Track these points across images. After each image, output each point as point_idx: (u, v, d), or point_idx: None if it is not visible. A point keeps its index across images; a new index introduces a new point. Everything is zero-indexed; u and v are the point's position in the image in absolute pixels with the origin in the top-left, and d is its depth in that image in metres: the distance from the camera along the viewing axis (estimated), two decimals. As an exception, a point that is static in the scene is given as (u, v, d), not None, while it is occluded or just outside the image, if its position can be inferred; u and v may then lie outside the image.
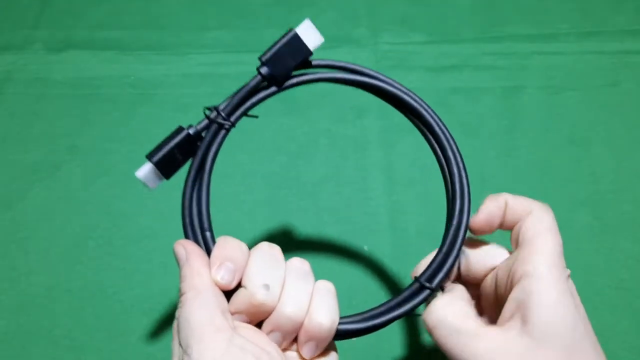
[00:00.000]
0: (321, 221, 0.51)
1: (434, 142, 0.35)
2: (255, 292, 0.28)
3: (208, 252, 0.31)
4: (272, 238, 0.50)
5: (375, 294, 0.47)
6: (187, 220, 0.33)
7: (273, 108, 0.58)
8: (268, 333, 0.29)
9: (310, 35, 0.33)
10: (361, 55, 0.61)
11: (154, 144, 0.55)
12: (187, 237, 0.32)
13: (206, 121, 0.33)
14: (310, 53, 0.33)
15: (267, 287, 0.28)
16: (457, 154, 0.35)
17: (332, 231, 0.50)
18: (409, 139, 0.55)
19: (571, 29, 0.63)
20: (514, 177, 0.53)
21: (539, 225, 0.31)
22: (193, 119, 0.57)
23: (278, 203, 0.52)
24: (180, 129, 0.33)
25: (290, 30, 0.33)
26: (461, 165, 0.34)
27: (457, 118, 0.57)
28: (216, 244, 0.30)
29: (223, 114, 0.33)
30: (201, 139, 0.33)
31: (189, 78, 0.60)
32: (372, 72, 0.35)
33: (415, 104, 0.35)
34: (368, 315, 0.32)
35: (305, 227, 0.50)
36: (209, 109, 0.33)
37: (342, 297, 0.47)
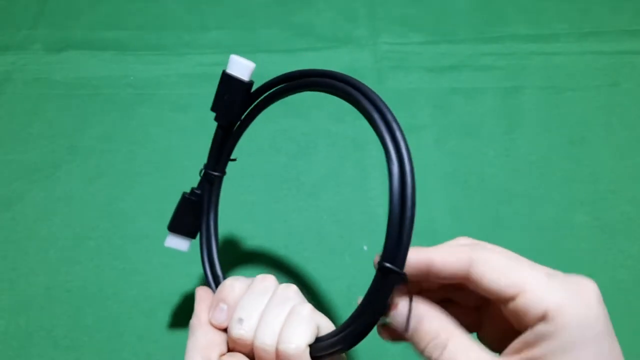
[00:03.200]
0: (321, 221, 0.51)
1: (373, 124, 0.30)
2: (232, 327, 0.30)
3: None
4: (271, 238, 0.50)
5: (375, 294, 0.47)
6: (207, 268, 0.37)
7: (273, 109, 0.58)
8: None
9: (239, 68, 0.34)
10: (361, 55, 0.61)
11: (153, 144, 0.55)
12: (208, 283, 0.36)
13: (200, 180, 0.38)
14: (250, 82, 0.35)
15: (240, 321, 0.30)
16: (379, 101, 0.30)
17: (332, 231, 0.50)
18: (408, 139, 0.55)
19: (571, 29, 0.63)
20: (513, 177, 0.53)
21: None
22: (192, 119, 0.57)
23: (278, 203, 0.52)
24: (182, 195, 0.38)
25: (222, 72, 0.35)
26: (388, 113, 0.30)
27: (457, 118, 0.57)
28: (218, 288, 0.33)
29: (209, 170, 0.37)
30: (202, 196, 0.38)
31: (189, 78, 0.60)
32: (306, 71, 0.33)
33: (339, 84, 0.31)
34: (344, 325, 0.29)
35: (305, 227, 0.50)
36: (202, 169, 0.38)
37: (342, 298, 0.47)
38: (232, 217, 0.51)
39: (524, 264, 0.26)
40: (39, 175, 0.53)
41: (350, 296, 0.47)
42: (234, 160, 0.38)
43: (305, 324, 0.29)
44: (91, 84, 0.59)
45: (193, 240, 0.40)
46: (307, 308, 0.30)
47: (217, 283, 0.36)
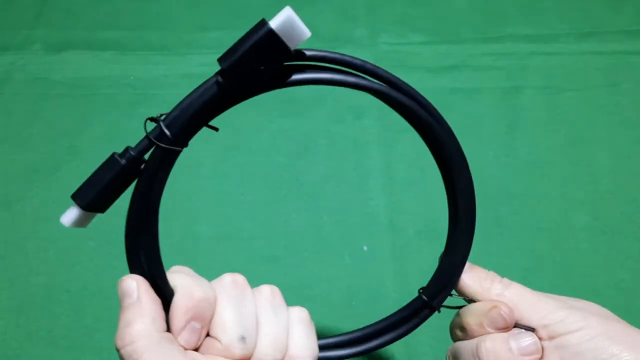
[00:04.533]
0: (321, 221, 0.51)
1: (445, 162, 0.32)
2: (231, 347, 0.25)
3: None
4: (271, 238, 0.50)
5: (374, 294, 0.47)
6: (143, 262, 0.27)
7: (272, 108, 0.58)
8: None
9: (291, 29, 0.24)
10: (361, 55, 0.60)
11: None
12: (143, 275, 0.27)
13: (146, 141, 0.25)
14: (291, 53, 0.25)
15: (243, 339, 0.25)
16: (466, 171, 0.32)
17: (331, 231, 0.50)
18: (408, 139, 0.55)
19: (570, 29, 0.63)
20: (513, 178, 0.53)
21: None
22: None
23: (278, 203, 0.52)
24: (113, 161, 0.26)
25: (262, 23, 0.24)
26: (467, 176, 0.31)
27: (457, 118, 0.57)
28: (179, 294, 0.26)
29: (169, 134, 0.24)
30: (142, 160, 0.26)
31: (189, 78, 0.60)
32: (377, 71, 0.28)
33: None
34: (361, 336, 0.29)
35: (305, 227, 0.50)
36: (152, 120, 0.25)
37: (342, 297, 0.47)
38: (232, 216, 0.51)
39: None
40: (39, 175, 0.53)
41: (350, 296, 0.47)
42: (215, 129, 0.27)
43: (312, 330, 0.27)
44: (91, 84, 0.59)
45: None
46: (306, 312, 0.28)
47: (159, 283, 0.27)
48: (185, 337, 0.25)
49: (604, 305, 0.46)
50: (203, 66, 0.61)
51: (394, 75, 0.27)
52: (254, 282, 0.50)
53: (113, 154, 0.25)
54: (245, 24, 0.68)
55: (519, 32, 0.63)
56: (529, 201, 0.52)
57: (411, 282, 0.47)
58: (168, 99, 0.59)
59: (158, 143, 0.24)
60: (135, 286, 0.26)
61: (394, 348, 0.45)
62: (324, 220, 0.51)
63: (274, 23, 0.24)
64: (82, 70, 0.60)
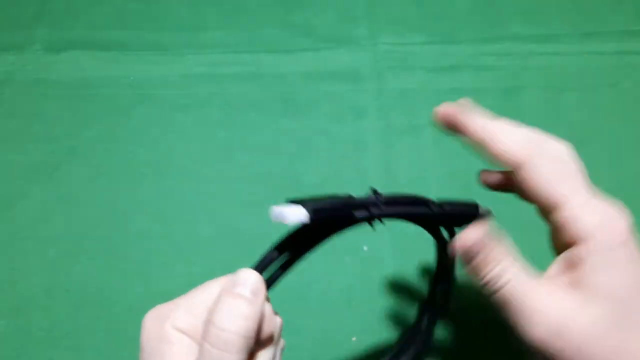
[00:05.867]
0: (321, 221, 0.51)
1: None
2: None
3: None
4: (271, 238, 0.50)
5: (374, 295, 0.47)
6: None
7: (273, 109, 0.58)
8: None
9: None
10: (360, 55, 0.61)
11: (153, 144, 0.55)
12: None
13: (365, 213, 0.32)
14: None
15: None
16: None
17: (331, 231, 0.50)
18: (408, 139, 0.55)
19: (571, 29, 0.63)
20: (513, 177, 0.53)
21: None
22: (192, 120, 0.57)
23: (278, 203, 0.52)
24: (350, 203, 0.31)
25: (480, 209, 0.36)
26: None
27: (457, 118, 0.57)
28: (277, 318, 0.29)
29: (378, 213, 0.32)
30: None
31: (188, 78, 0.60)
32: None
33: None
34: None
35: (305, 227, 0.50)
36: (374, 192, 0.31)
37: (342, 298, 0.47)
38: (232, 217, 0.51)
39: (569, 180, 0.31)
40: (39, 175, 0.53)
41: (350, 296, 0.47)
42: (373, 229, 0.34)
43: None
44: (91, 84, 0.59)
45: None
46: None
47: None
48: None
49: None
50: (202, 66, 0.61)
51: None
52: (254, 282, 0.50)
53: (349, 195, 0.31)
54: (245, 23, 0.69)
55: (519, 32, 0.63)
56: (529, 201, 0.52)
57: (411, 282, 0.47)
58: (168, 99, 0.59)
59: (369, 216, 0.32)
60: (258, 288, 0.27)
61: (394, 348, 0.45)
62: (324, 220, 0.51)
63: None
64: (82, 70, 0.60)
